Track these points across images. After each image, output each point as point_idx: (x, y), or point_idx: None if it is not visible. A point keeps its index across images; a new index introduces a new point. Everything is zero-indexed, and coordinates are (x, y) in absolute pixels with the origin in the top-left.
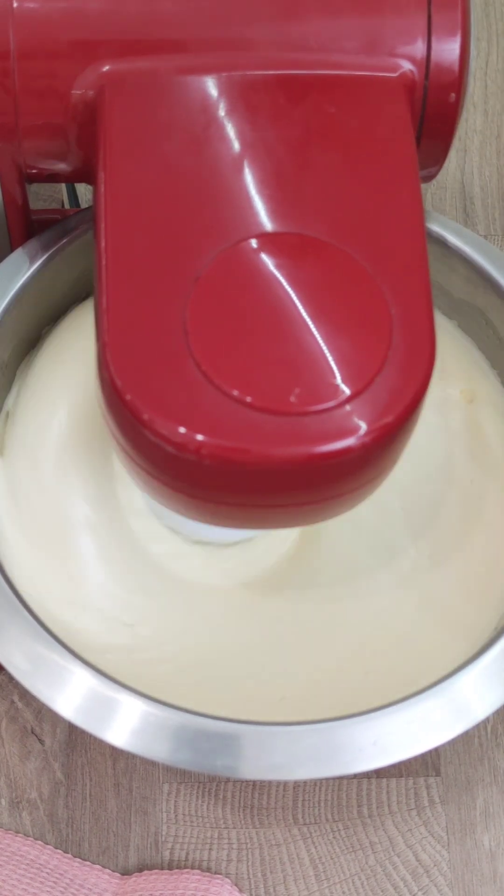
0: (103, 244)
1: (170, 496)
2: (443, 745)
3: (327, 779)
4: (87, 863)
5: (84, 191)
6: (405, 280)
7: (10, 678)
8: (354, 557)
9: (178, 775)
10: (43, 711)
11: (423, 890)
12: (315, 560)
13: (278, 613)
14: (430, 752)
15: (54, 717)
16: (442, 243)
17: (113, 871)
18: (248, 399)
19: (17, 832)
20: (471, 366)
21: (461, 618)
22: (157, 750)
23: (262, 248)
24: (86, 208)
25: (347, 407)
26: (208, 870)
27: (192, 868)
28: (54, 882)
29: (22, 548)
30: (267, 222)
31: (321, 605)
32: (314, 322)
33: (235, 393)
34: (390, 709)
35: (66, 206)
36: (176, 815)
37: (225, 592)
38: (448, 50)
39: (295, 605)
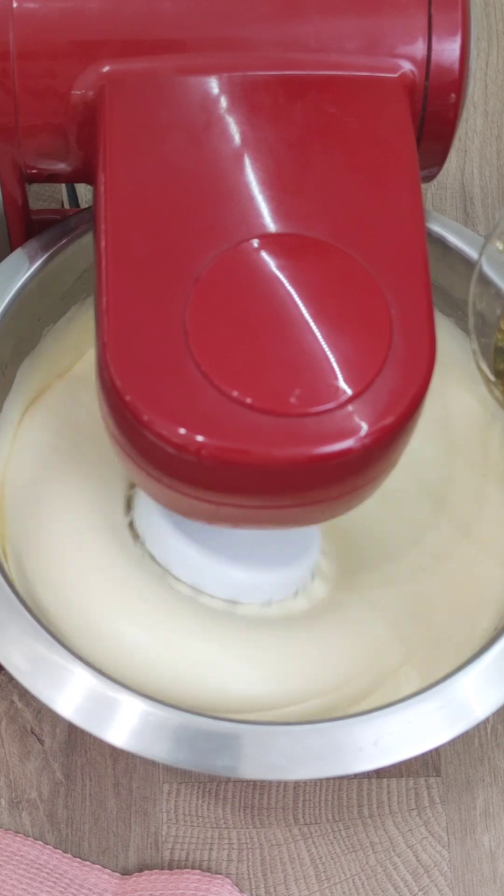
0: (103, 244)
1: (169, 496)
2: (443, 745)
3: (327, 779)
4: (87, 863)
5: (84, 191)
6: (405, 280)
7: (10, 678)
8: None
9: (178, 775)
10: (43, 711)
11: (424, 890)
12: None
13: None
14: (430, 752)
15: (54, 717)
16: (442, 243)
17: (113, 871)
18: (249, 400)
19: (17, 832)
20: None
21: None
22: (157, 750)
23: (262, 248)
24: (86, 208)
25: (348, 408)
26: (208, 870)
27: (193, 868)
28: (54, 882)
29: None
30: (267, 223)
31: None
32: (314, 323)
33: (235, 394)
34: (390, 709)
35: (66, 206)
36: (176, 816)
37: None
38: (448, 50)
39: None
